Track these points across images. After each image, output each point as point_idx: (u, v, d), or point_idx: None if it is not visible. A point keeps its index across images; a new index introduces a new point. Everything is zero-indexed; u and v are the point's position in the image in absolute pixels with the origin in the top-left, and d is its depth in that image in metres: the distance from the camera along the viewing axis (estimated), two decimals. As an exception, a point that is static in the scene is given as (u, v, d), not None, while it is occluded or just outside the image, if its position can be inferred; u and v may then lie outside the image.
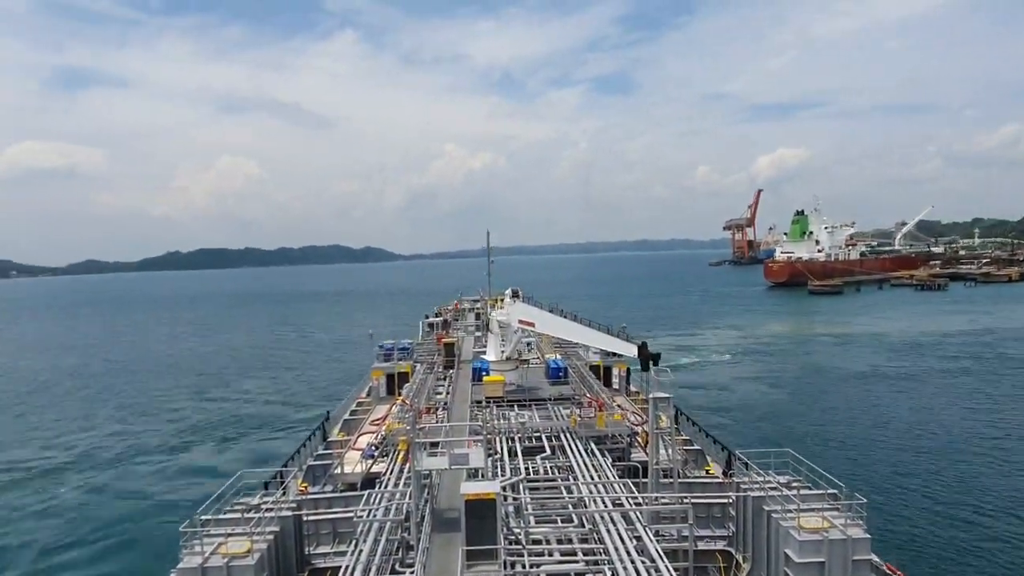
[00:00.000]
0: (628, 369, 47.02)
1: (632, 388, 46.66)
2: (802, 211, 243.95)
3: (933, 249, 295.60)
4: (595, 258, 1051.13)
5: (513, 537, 19.32)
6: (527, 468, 25.87)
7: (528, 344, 52.92)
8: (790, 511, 19.36)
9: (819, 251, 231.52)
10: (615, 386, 46.38)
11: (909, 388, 69.61)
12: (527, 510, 21.09)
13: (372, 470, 28.12)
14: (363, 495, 23.51)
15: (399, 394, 41.24)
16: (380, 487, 24.20)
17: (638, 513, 21.05)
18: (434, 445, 24.61)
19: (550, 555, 19.08)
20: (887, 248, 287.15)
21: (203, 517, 19.29)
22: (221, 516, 20.19)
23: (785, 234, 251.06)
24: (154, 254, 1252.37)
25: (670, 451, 24.01)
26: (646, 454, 26.50)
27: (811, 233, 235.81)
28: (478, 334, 64.56)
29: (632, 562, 17.81)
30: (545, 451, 28.25)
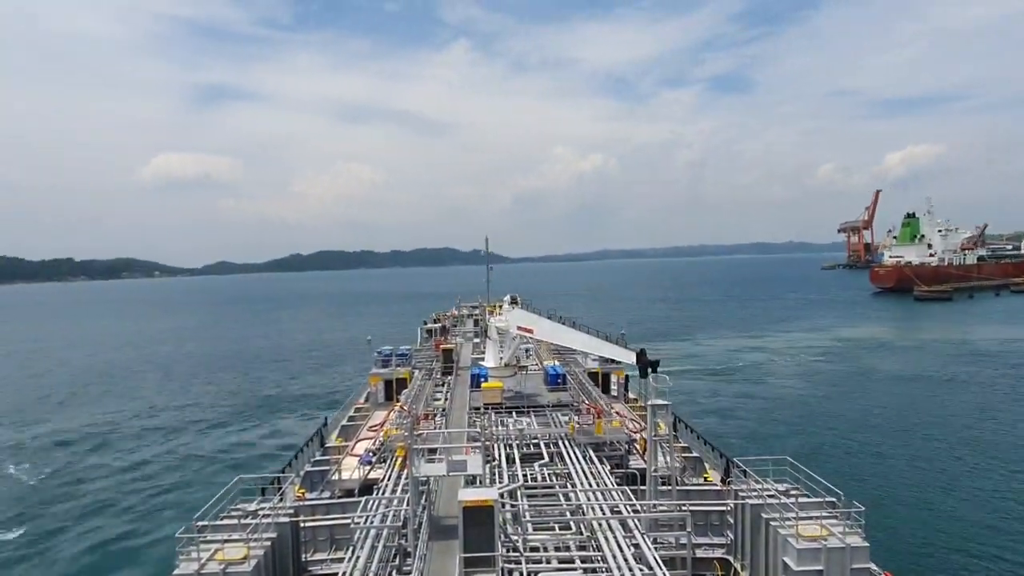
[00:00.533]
0: (626, 376, 47.04)
1: (630, 395, 46.65)
2: (913, 213, 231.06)
3: None
4: (706, 261, 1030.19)
5: (511, 544, 19.26)
6: (525, 475, 25.81)
7: (527, 350, 52.92)
8: (788, 519, 19.33)
9: (931, 255, 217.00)
10: (613, 393, 46.42)
11: (961, 398, 67.03)
12: (525, 517, 21.00)
13: (370, 476, 28.03)
14: (360, 501, 23.44)
15: (397, 400, 41.16)
16: (378, 493, 24.14)
17: (636, 520, 20.98)
18: (432, 451, 24.53)
19: (548, 562, 19.00)
20: (1012, 252, 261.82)
21: (200, 523, 19.23)
22: (218, 522, 20.12)
23: (895, 237, 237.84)
24: (278, 256, 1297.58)
25: (668, 458, 24.00)
26: (644, 461, 26.46)
27: (922, 236, 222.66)
28: (476, 340, 64.59)
29: (630, 570, 17.74)
30: (543, 458, 28.13)
